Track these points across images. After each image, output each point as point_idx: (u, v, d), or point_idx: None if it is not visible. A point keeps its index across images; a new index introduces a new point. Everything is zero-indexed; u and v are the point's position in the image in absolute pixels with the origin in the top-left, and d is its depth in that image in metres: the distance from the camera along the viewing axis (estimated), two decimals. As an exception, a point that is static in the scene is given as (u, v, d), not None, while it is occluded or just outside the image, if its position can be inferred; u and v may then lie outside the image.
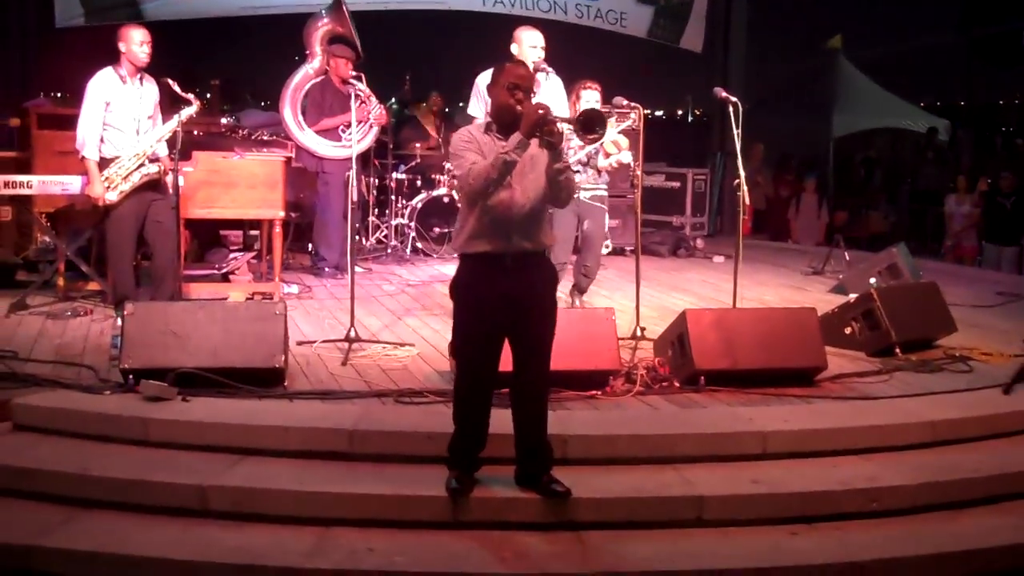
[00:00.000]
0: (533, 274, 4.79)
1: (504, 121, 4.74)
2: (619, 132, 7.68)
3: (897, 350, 6.91)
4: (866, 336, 7.08)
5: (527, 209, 4.73)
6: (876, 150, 17.62)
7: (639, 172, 7.48)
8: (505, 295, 4.68)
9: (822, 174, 15.14)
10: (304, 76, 9.60)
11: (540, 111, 4.56)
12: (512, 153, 4.55)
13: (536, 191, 4.75)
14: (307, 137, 9.45)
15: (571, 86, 7.55)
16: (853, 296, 7.70)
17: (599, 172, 7.71)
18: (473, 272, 4.77)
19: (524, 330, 4.76)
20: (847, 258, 10.83)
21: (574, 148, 7.09)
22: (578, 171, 7.27)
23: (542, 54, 7.27)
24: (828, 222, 14.06)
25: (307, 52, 9.62)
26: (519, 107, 4.68)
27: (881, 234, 14.31)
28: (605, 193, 7.83)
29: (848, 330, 7.15)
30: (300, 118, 9.49)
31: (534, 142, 4.62)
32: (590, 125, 4.71)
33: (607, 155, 7.67)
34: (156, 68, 7.56)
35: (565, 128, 4.73)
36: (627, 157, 7.61)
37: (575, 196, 7.48)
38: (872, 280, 8.72)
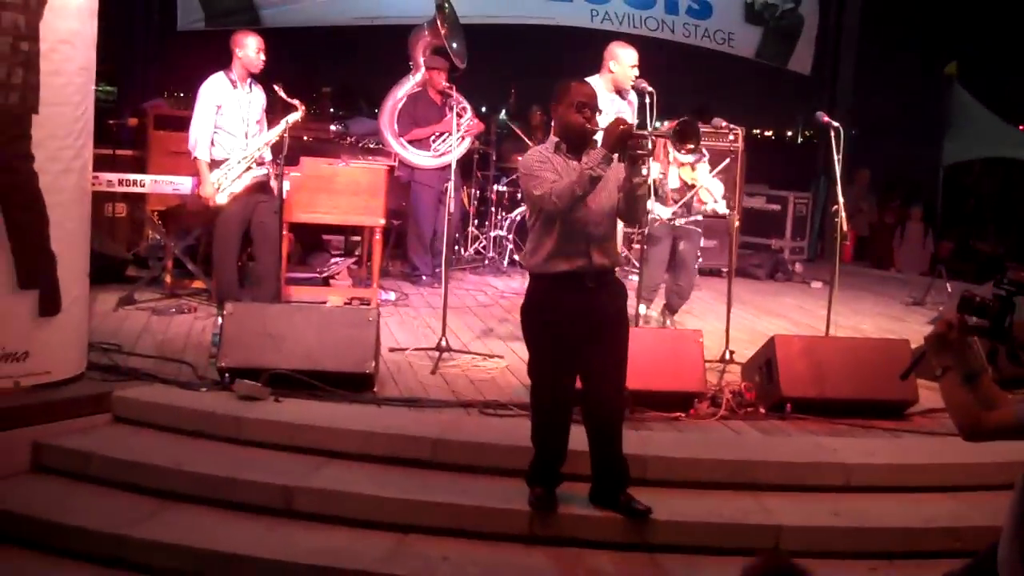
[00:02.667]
0: (609, 291, 4.81)
1: (573, 139, 4.77)
2: (714, 175, 7.71)
3: (995, 387, 6.75)
4: (961, 371, 6.93)
5: (603, 226, 4.76)
6: (988, 180, 17.19)
7: (736, 224, 7.45)
8: (584, 313, 4.70)
9: (930, 202, 14.83)
10: (406, 88, 9.75)
11: (623, 126, 4.59)
12: (598, 168, 4.54)
13: (609, 207, 4.77)
14: (399, 147, 9.60)
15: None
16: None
17: (689, 210, 7.76)
18: (551, 291, 4.77)
19: (601, 347, 4.75)
20: (949, 289, 10.59)
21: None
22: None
23: (638, 72, 7.30)
24: (933, 252, 13.78)
25: (411, 64, 9.78)
26: (588, 125, 4.72)
27: (989, 266, 13.95)
28: (700, 217, 7.86)
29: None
30: (395, 127, 9.64)
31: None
32: (685, 136, 4.70)
33: (701, 202, 7.69)
34: (274, 74, 7.76)
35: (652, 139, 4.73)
36: (722, 208, 7.65)
37: (672, 222, 7.57)
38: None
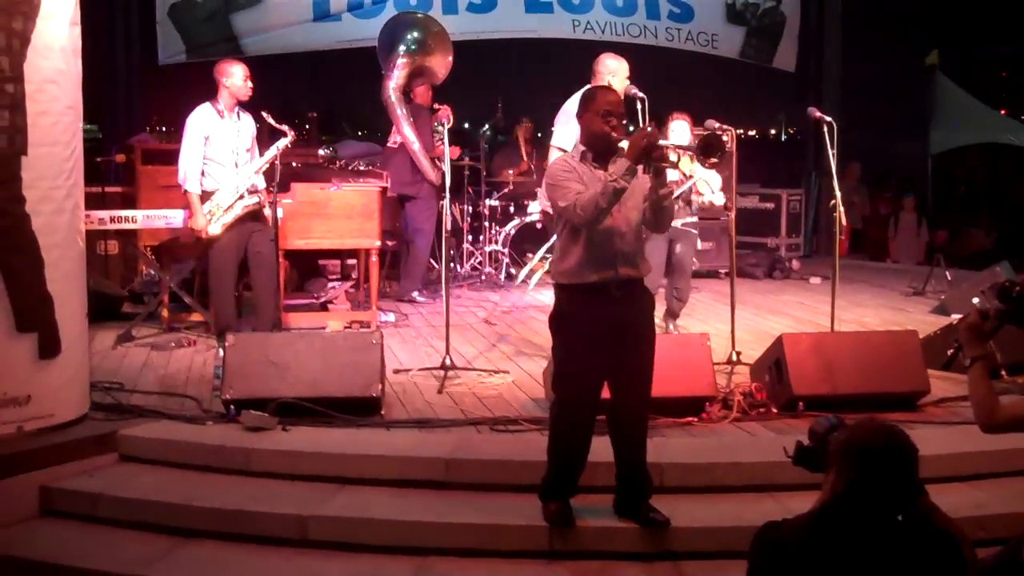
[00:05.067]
0: (636, 301, 4.76)
1: (599, 148, 4.71)
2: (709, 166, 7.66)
3: (1003, 372, 6.72)
4: (970, 358, 6.90)
5: (629, 236, 4.70)
6: (977, 166, 17.22)
7: (732, 213, 7.40)
8: (611, 324, 4.64)
9: (921, 192, 14.83)
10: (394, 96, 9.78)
11: (647, 138, 4.50)
12: (621, 180, 4.47)
13: (636, 217, 4.72)
14: (425, 159, 9.64)
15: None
16: (956, 317, 7.51)
17: (690, 205, 7.71)
18: (579, 302, 4.70)
19: (628, 358, 4.71)
20: (949, 277, 10.57)
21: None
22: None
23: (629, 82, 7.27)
24: (928, 240, 13.78)
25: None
26: (614, 133, 4.66)
27: (983, 252, 13.95)
28: (695, 219, 7.83)
29: (951, 352, 6.97)
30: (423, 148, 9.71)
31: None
32: (710, 150, 4.64)
33: (699, 193, 7.64)
34: (257, 101, 7.71)
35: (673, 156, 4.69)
36: (719, 199, 7.60)
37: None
38: (975, 300, 8.50)
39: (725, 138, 7.75)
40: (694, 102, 7.89)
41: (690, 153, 4.88)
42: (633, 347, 4.72)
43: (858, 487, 2.82)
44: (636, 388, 4.77)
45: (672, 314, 7.93)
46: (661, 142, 4.54)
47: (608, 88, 5.00)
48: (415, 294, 9.76)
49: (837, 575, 2.75)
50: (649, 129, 4.56)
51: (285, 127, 7.46)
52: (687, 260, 7.89)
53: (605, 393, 4.83)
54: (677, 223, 7.52)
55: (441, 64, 9.91)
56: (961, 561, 2.83)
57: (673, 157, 4.69)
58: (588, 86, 7.14)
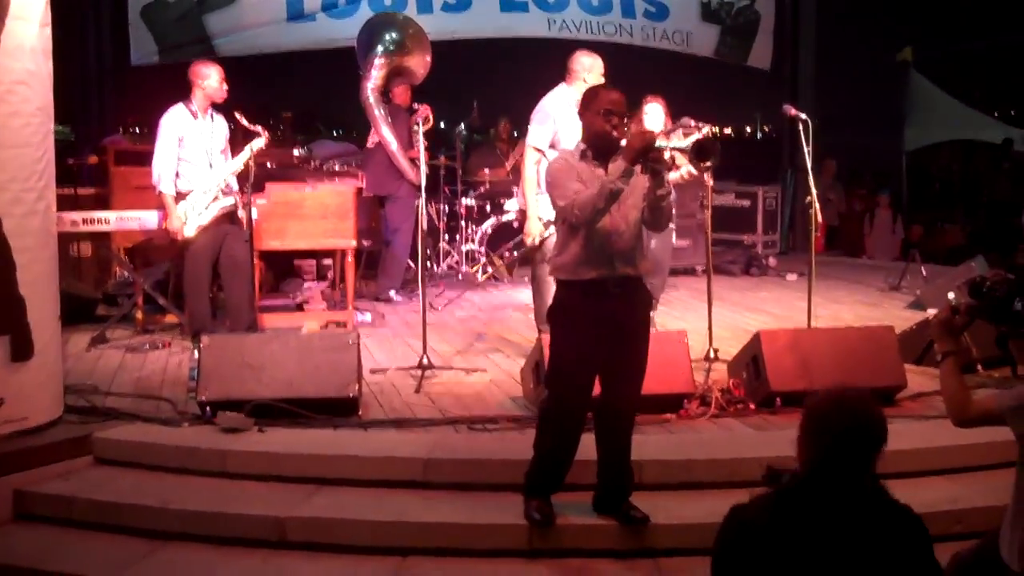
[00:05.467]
0: (633, 299, 4.74)
1: (599, 147, 4.68)
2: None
3: (979, 367, 6.75)
4: (946, 353, 6.93)
5: (627, 235, 4.68)
6: (951, 163, 17.31)
7: (710, 183, 7.38)
8: (608, 321, 4.62)
9: (896, 188, 14.91)
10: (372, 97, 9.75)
11: (645, 139, 4.49)
12: (619, 182, 4.45)
13: (635, 216, 4.70)
14: (405, 161, 9.63)
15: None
16: (931, 312, 7.54)
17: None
18: (576, 299, 4.68)
19: (622, 355, 4.70)
20: (924, 273, 10.62)
21: None
22: None
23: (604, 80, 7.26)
24: (903, 237, 13.84)
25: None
26: (615, 133, 4.62)
27: (958, 248, 14.03)
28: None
29: (924, 345, 7.00)
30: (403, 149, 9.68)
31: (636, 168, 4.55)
32: (703, 153, 4.63)
33: (676, 167, 7.63)
34: (231, 102, 7.67)
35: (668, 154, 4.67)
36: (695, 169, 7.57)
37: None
38: (951, 295, 8.52)
39: (705, 130, 7.78)
40: (670, 100, 7.88)
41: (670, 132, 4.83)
42: (628, 344, 4.71)
43: (821, 458, 2.85)
44: (628, 385, 4.76)
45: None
46: (658, 143, 4.52)
47: (610, 87, 4.97)
48: (392, 293, 9.75)
49: (802, 551, 2.75)
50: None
51: (259, 128, 7.43)
52: (662, 256, 7.87)
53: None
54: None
55: (419, 64, 9.90)
56: (926, 538, 2.84)
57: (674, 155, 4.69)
58: (562, 83, 7.19)
